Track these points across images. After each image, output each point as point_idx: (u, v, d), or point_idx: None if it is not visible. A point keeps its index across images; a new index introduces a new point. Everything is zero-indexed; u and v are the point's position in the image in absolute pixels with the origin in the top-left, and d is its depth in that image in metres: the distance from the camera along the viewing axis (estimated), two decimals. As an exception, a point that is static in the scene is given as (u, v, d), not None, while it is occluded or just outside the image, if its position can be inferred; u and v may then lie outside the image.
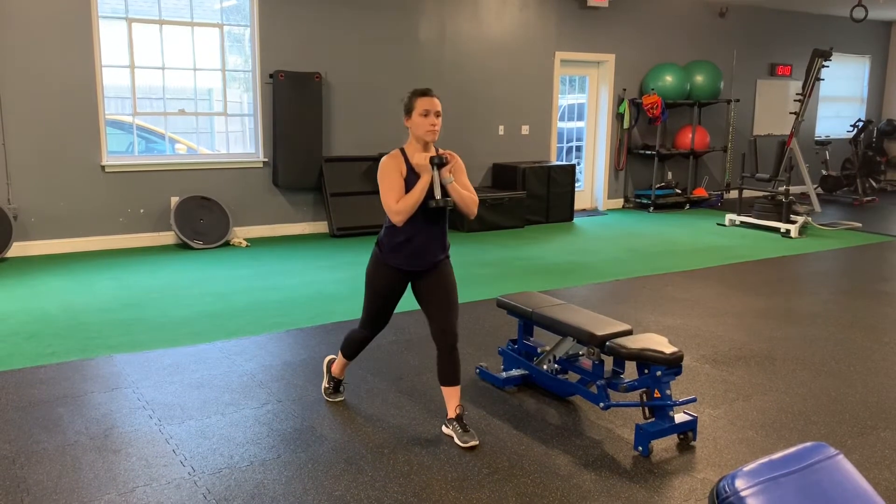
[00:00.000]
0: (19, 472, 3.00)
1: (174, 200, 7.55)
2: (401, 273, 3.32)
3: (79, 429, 3.39)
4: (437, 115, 3.22)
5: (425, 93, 3.23)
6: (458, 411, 3.34)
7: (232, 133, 8.01)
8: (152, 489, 2.89)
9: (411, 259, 3.28)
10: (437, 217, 3.29)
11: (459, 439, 3.28)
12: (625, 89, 10.46)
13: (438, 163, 3.18)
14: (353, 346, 3.57)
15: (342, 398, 3.77)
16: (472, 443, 3.26)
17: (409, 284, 3.40)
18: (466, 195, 3.27)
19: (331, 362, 3.79)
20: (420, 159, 3.16)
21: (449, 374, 3.32)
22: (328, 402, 3.73)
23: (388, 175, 3.20)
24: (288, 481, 2.97)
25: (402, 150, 3.28)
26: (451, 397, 3.35)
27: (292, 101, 7.85)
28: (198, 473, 3.02)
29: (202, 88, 7.79)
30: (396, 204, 3.16)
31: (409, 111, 3.24)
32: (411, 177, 3.22)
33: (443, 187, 3.22)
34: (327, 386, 3.77)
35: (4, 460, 3.10)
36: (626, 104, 10.36)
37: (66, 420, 3.48)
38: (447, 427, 3.38)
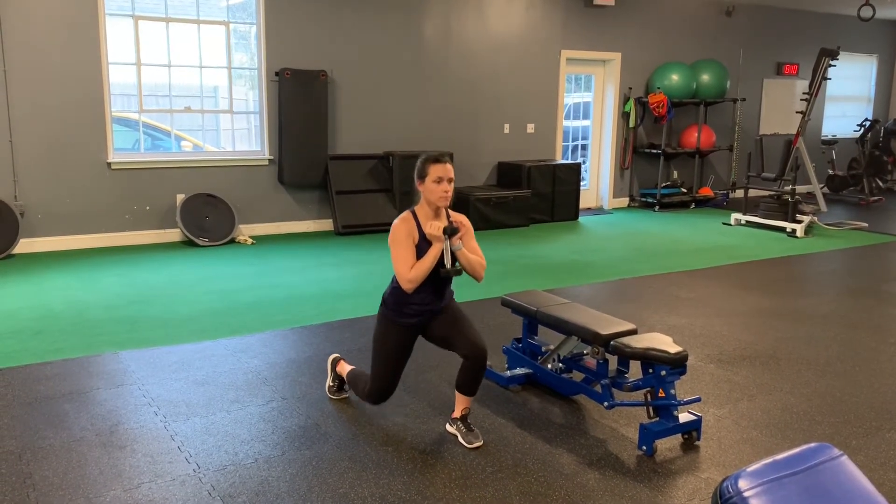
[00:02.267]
0: (25, 468, 3.02)
1: (180, 198, 7.56)
2: (408, 328, 3.34)
3: (84, 425, 3.41)
4: (450, 181, 3.22)
5: (438, 159, 3.22)
6: (464, 412, 3.34)
7: (238, 131, 8.03)
8: (157, 485, 2.90)
9: (417, 316, 3.31)
10: (445, 283, 3.34)
11: (464, 439, 3.28)
12: (631, 88, 10.44)
13: (450, 232, 3.20)
14: (355, 380, 3.54)
15: (346, 395, 3.78)
16: (477, 443, 3.26)
17: (421, 336, 3.43)
18: (475, 261, 3.29)
19: (335, 361, 3.79)
20: (433, 230, 3.17)
21: (472, 386, 3.32)
22: (332, 400, 3.74)
23: (400, 242, 3.22)
24: (292, 478, 2.98)
25: (414, 214, 3.29)
26: (463, 402, 3.35)
27: (298, 98, 7.86)
28: (203, 470, 3.03)
29: (208, 86, 7.80)
30: (409, 272, 3.18)
31: (422, 176, 3.23)
32: (423, 243, 3.24)
33: (452, 254, 3.25)
34: (331, 384, 3.78)
35: (11, 456, 3.11)
36: (631, 103, 10.35)
37: (71, 416, 3.50)
38: (451, 426, 3.38)
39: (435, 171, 3.20)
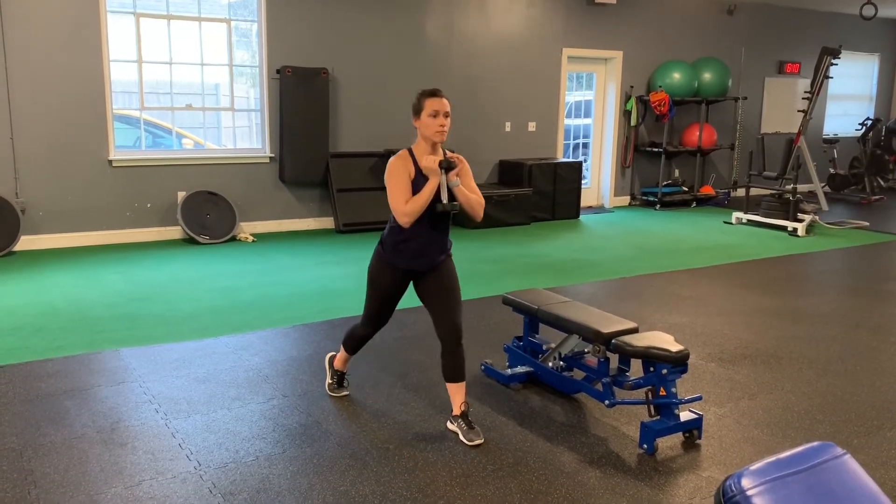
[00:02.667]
0: (27, 465, 3.02)
1: (181, 195, 7.56)
2: (402, 272, 3.34)
3: (86, 422, 3.41)
4: (446, 115, 3.21)
5: (434, 93, 3.21)
6: (463, 408, 3.34)
7: (239, 128, 8.02)
8: (158, 483, 2.90)
9: (412, 259, 3.29)
10: (441, 220, 3.31)
11: (465, 437, 3.28)
12: (632, 86, 10.43)
13: (447, 167, 3.18)
14: (354, 342, 3.60)
15: (346, 392, 3.78)
16: (478, 441, 3.26)
17: (412, 284, 3.41)
18: (473, 198, 3.28)
19: (332, 358, 3.80)
20: (429, 163, 3.16)
21: (454, 371, 3.32)
22: (333, 398, 3.74)
23: (397, 177, 3.20)
24: (293, 476, 2.98)
25: (411, 151, 3.28)
26: (457, 394, 3.35)
27: (299, 96, 7.86)
28: (203, 467, 3.03)
29: (209, 83, 7.80)
30: (405, 206, 3.16)
31: (417, 112, 3.23)
32: (419, 179, 3.22)
33: (449, 191, 3.23)
34: (331, 381, 3.78)
35: (12, 453, 3.11)
36: (633, 101, 10.34)
37: (73, 413, 3.50)
38: (452, 423, 3.38)
39: (430, 105, 3.19)
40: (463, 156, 9.04)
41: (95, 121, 7.14)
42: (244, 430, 3.37)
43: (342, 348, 3.66)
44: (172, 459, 3.09)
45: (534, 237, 8.19)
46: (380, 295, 3.38)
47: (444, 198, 3.21)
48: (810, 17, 12.14)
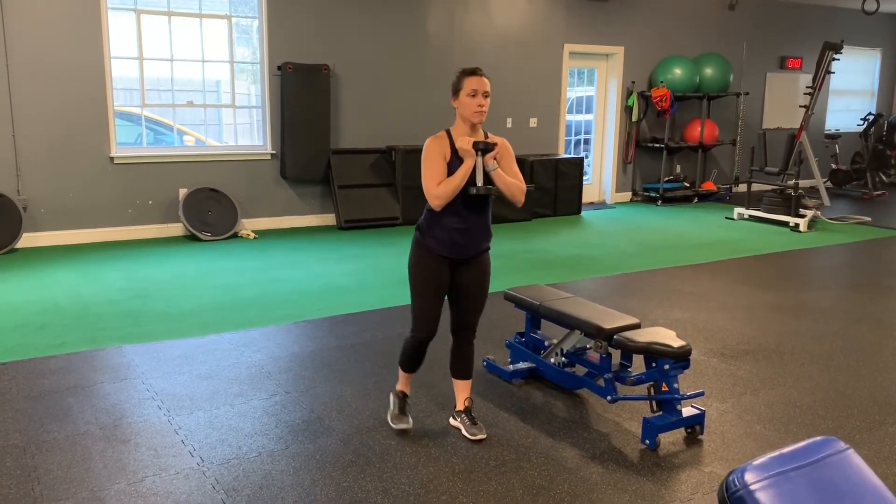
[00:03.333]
0: (30, 462, 3.02)
1: (182, 192, 7.56)
2: (443, 259, 3.16)
3: (88, 419, 3.41)
4: (486, 95, 3.07)
5: (474, 72, 3.08)
6: (466, 404, 3.34)
7: (240, 125, 8.02)
8: (161, 479, 2.91)
9: (451, 247, 3.14)
10: (479, 205, 3.14)
11: (468, 431, 3.28)
12: (633, 82, 10.42)
13: (483, 148, 3.04)
14: (410, 356, 3.29)
15: (407, 426, 3.34)
16: (480, 436, 3.26)
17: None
18: (512, 182, 3.13)
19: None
20: (464, 143, 3.03)
21: (463, 367, 3.32)
22: (333, 396, 3.74)
23: (431, 157, 3.07)
24: (296, 472, 2.98)
25: (448, 132, 3.14)
26: (463, 390, 3.35)
27: (300, 93, 7.85)
28: (206, 464, 3.04)
29: (210, 80, 7.80)
30: (436, 188, 3.03)
31: (456, 91, 3.09)
32: (454, 161, 3.09)
33: (486, 174, 3.09)
34: (393, 409, 3.43)
35: (15, 449, 3.12)
36: (634, 97, 10.32)
37: (75, 410, 3.50)
38: (455, 419, 3.39)
39: (469, 83, 3.06)
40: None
41: (97, 118, 7.14)
42: (247, 426, 3.38)
43: (400, 369, 3.38)
44: (175, 456, 3.09)
45: (535, 233, 8.19)
46: (424, 287, 3.15)
47: (479, 180, 3.06)
48: (812, 12, 12.11)
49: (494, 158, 3.09)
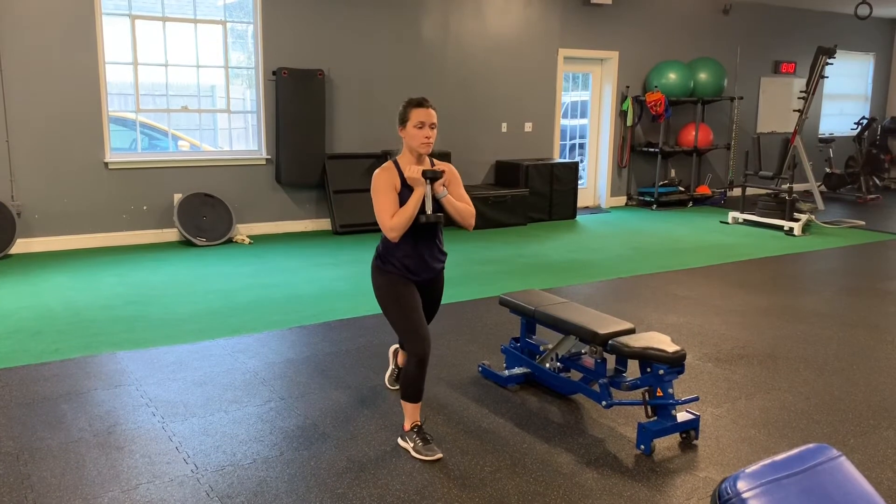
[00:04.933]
0: (23, 469, 3.01)
1: (177, 197, 7.55)
2: (407, 279, 3.25)
3: (82, 426, 3.40)
4: (432, 127, 3.13)
5: (420, 103, 3.13)
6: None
7: (235, 130, 8.02)
8: (155, 486, 2.90)
9: (409, 272, 3.22)
10: (429, 231, 3.23)
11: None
12: (628, 86, 10.45)
13: (431, 177, 3.11)
14: (414, 381, 3.17)
15: (440, 453, 3.18)
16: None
17: None
18: (462, 207, 3.20)
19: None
20: (412, 173, 3.08)
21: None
22: (328, 402, 3.73)
23: (383, 190, 3.13)
24: (291, 479, 2.98)
25: (396, 163, 3.21)
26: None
27: (295, 98, 7.85)
28: (201, 471, 3.03)
29: (205, 85, 7.79)
30: (391, 220, 3.09)
31: (403, 121, 3.15)
32: (405, 191, 3.15)
33: (436, 201, 3.16)
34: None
35: (9, 457, 3.11)
36: (629, 101, 10.35)
37: (69, 417, 3.49)
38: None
39: (416, 115, 3.11)
40: (460, 157, 9.08)
41: (91, 123, 7.13)
42: (241, 432, 3.37)
43: (405, 404, 3.23)
44: (169, 463, 3.09)
45: (530, 238, 8.20)
46: (401, 303, 3.17)
47: (429, 209, 3.14)
48: (805, 17, 12.17)
49: (443, 185, 3.17)
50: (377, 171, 3.19)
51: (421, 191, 3.10)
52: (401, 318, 3.16)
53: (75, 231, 7.20)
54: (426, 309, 3.36)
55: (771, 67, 12.00)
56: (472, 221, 3.23)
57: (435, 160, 3.30)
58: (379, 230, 8.16)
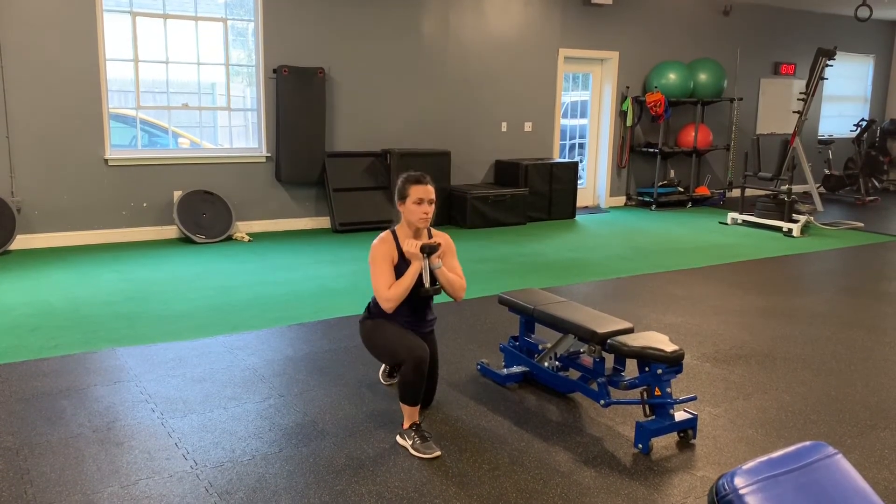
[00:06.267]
0: (23, 464, 3.02)
1: (177, 194, 7.56)
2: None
3: (82, 421, 3.41)
4: (431, 202, 3.23)
5: (419, 180, 3.23)
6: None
7: (235, 128, 8.02)
8: (155, 482, 2.91)
9: None
10: (424, 301, 3.37)
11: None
12: (628, 87, 10.46)
13: (429, 251, 3.21)
14: (413, 384, 3.16)
15: (438, 451, 3.17)
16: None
17: None
18: (455, 280, 3.31)
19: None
20: (411, 247, 3.18)
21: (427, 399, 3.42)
22: (327, 400, 3.74)
23: (380, 261, 3.23)
24: (290, 475, 2.99)
25: (394, 234, 3.31)
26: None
27: (296, 96, 7.86)
28: (200, 467, 3.04)
29: (205, 83, 7.80)
30: (388, 291, 3.19)
31: (402, 197, 3.25)
32: (402, 263, 3.26)
33: (432, 273, 3.26)
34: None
35: (8, 452, 3.12)
36: (629, 102, 10.36)
37: (69, 412, 3.50)
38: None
39: (416, 192, 3.21)
40: (459, 156, 9.09)
41: (91, 120, 7.13)
42: (240, 429, 3.38)
43: (404, 407, 3.23)
44: (169, 459, 3.09)
45: (530, 237, 8.21)
46: (390, 332, 3.27)
47: (427, 282, 3.24)
48: (806, 19, 12.18)
49: (439, 258, 3.26)
50: (375, 241, 3.29)
51: (418, 265, 3.21)
52: (391, 338, 3.26)
53: (75, 227, 7.20)
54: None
55: (771, 69, 12.01)
56: (462, 294, 3.36)
57: (432, 230, 3.40)
58: (377, 230, 8.17)
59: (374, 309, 3.40)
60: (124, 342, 4.49)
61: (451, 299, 3.41)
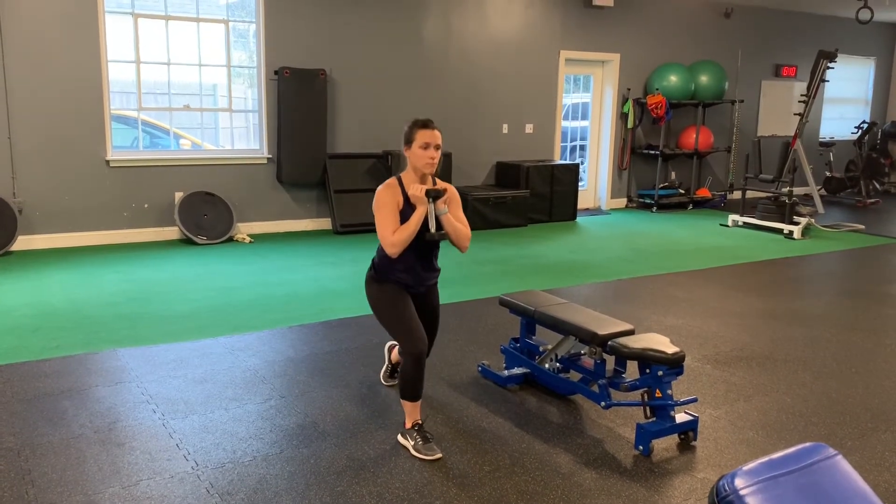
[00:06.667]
0: (24, 465, 3.02)
1: (178, 196, 7.57)
2: (402, 286, 3.33)
3: (83, 422, 3.42)
4: (437, 147, 3.20)
5: (426, 124, 3.21)
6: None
7: (236, 129, 8.03)
8: (156, 483, 2.91)
9: (405, 283, 3.31)
10: (429, 247, 3.32)
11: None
12: (629, 89, 10.46)
13: (435, 195, 3.19)
14: (412, 380, 3.17)
15: (440, 453, 3.19)
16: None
17: None
18: (460, 228, 3.27)
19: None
20: (416, 191, 3.15)
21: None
22: (327, 401, 3.75)
23: (384, 207, 3.20)
24: (290, 476, 2.99)
25: (399, 180, 3.28)
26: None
27: (297, 97, 7.87)
28: (201, 467, 3.04)
29: (207, 84, 7.81)
30: (392, 236, 3.16)
31: (409, 141, 3.22)
32: (407, 208, 3.23)
33: (437, 219, 3.24)
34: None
35: (10, 452, 3.12)
36: (630, 104, 10.37)
37: (70, 413, 3.50)
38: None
39: (422, 136, 3.18)
40: (460, 157, 9.09)
41: (93, 121, 7.14)
42: (241, 430, 3.38)
43: (405, 403, 3.25)
44: (170, 459, 3.10)
45: (531, 239, 8.21)
46: (396, 307, 3.23)
47: (432, 226, 3.21)
48: (807, 21, 12.18)
49: (444, 203, 3.24)
50: (380, 187, 3.25)
51: (423, 209, 3.18)
52: (395, 319, 3.22)
53: (76, 228, 7.21)
54: (426, 322, 3.42)
55: (772, 71, 12.02)
56: (467, 244, 3.30)
57: (437, 179, 3.36)
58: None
59: (378, 263, 3.32)
60: (126, 343, 4.50)
61: (457, 249, 3.36)
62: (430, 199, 3.18)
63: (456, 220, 3.28)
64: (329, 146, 8.28)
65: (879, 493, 3.00)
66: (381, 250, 3.31)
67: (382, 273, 3.31)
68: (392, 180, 3.27)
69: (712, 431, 3.48)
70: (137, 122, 7.53)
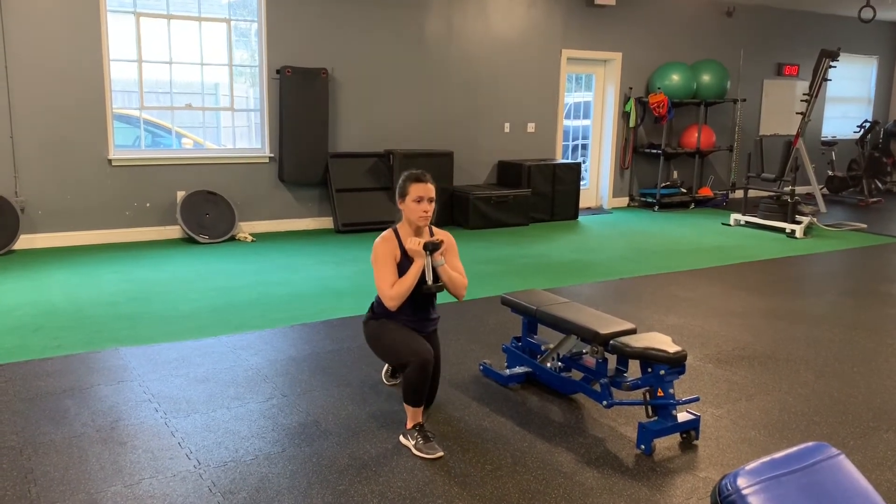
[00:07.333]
0: (27, 463, 3.03)
1: (180, 195, 7.57)
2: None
3: (85, 421, 3.42)
4: (431, 201, 3.24)
5: (419, 178, 3.23)
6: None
7: (238, 128, 8.03)
8: (158, 481, 2.92)
9: None
10: (427, 298, 3.37)
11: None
12: (631, 88, 10.45)
13: (432, 248, 3.22)
14: (416, 385, 3.15)
15: (441, 452, 3.17)
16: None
17: None
18: (457, 278, 3.31)
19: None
20: (413, 245, 3.18)
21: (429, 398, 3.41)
22: (329, 400, 3.75)
23: (383, 260, 3.24)
24: (292, 475, 2.99)
25: (396, 232, 3.31)
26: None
27: (299, 96, 7.87)
28: (203, 466, 3.04)
29: (209, 83, 7.81)
30: (391, 290, 3.20)
31: (402, 195, 3.25)
32: (404, 261, 3.26)
33: (434, 270, 3.27)
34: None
35: (12, 451, 3.12)
36: (632, 103, 10.36)
37: (72, 412, 3.51)
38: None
39: (416, 190, 3.22)
40: (462, 156, 9.09)
41: (95, 120, 7.15)
42: (243, 429, 3.39)
43: (408, 407, 3.23)
44: (172, 458, 3.10)
45: (532, 238, 8.21)
46: (395, 333, 3.27)
47: (430, 279, 3.25)
48: (809, 20, 12.17)
49: (441, 255, 3.26)
50: (377, 240, 3.29)
51: (421, 262, 3.21)
52: (397, 339, 3.26)
53: (78, 227, 7.22)
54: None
55: (774, 70, 12.00)
56: (464, 293, 3.36)
57: (434, 228, 3.40)
58: (380, 230, 8.17)
59: (377, 308, 3.41)
60: (127, 342, 4.50)
61: (454, 298, 3.41)
62: (428, 252, 3.22)
63: (452, 270, 3.32)
64: (331, 145, 8.28)
65: (882, 493, 3.00)
66: (378, 300, 3.39)
67: (382, 317, 3.39)
68: (388, 233, 3.31)
69: (714, 431, 3.48)
70: (139, 121, 7.54)
